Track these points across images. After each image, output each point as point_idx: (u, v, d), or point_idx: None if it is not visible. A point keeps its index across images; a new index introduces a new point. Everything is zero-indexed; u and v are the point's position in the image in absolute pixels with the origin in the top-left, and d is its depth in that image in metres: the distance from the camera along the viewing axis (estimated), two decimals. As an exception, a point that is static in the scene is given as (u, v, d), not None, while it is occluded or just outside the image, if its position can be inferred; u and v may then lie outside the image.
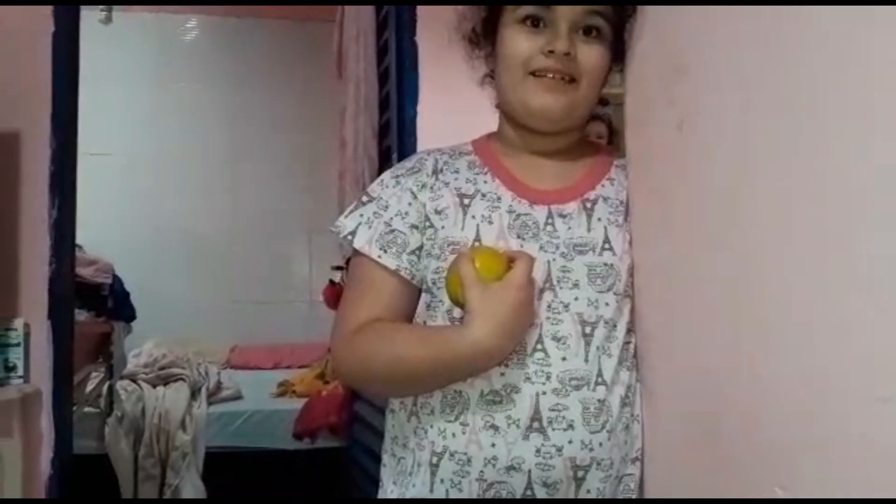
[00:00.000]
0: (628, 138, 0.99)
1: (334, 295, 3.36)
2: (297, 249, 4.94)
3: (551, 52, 0.91)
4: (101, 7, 4.47)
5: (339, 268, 3.39)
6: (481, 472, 0.89)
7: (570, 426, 0.89)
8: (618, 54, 0.97)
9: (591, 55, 0.93)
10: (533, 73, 0.93)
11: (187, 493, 3.26)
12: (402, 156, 2.06)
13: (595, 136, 1.62)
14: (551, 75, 0.93)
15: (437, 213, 0.97)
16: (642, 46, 0.94)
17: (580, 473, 0.89)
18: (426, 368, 0.91)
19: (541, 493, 0.89)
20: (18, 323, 1.90)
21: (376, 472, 1.05)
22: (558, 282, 0.93)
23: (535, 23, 0.93)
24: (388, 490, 0.99)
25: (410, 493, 0.94)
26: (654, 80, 0.90)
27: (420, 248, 0.97)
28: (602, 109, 1.06)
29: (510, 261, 0.88)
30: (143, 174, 4.68)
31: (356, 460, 2.88)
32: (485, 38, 1.01)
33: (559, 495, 0.90)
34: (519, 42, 0.94)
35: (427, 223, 0.97)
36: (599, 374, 0.91)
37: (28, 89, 1.96)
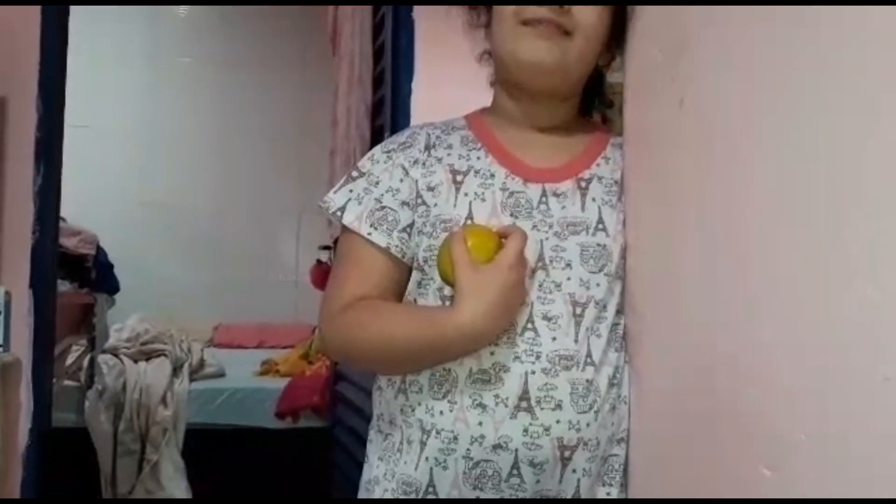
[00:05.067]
0: (627, 116, 0.98)
1: (321, 275, 3.35)
2: (286, 228, 4.91)
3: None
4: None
5: (326, 247, 3.38)
6: (468, 449, 0.89)
7: (559, 406, 0.89)
8: (617, 30, 0.95)
9: (587, 12, 0.91)
10: (526, 24, 0.91)
11: (167, 470, 3.25)
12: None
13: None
14: (544, 25, 0.90)
15: (430, 189, 0.96)
16: (644, 22, 0.93)
17: (566, 453, 0.89)
18: (415, 349, 0.90)
19: (527, 473, 0.89)
20: (-1, 291, 1.87)
21: (358, 452, 1.05)
22: (551, 261, 0.92)
23: None
24: (373, 466, 0.98)
25: (399, 470, 0.94)
26: (656, 56, 0.89)
27: (411, 225, 0.96)
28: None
29: (502, 237, 0.87)
30: (131, 148, 4.63)
31: (338, 440, 2.87)
32: (484, 8, 0.99)
33: (545, 475, 0.89)
34: None
35: (419, 200, 0.96)
36: (588, 354, 0.91)
37: (16, 55, 1.92)
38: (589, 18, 0.91)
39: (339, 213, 0.97)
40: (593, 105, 1.06)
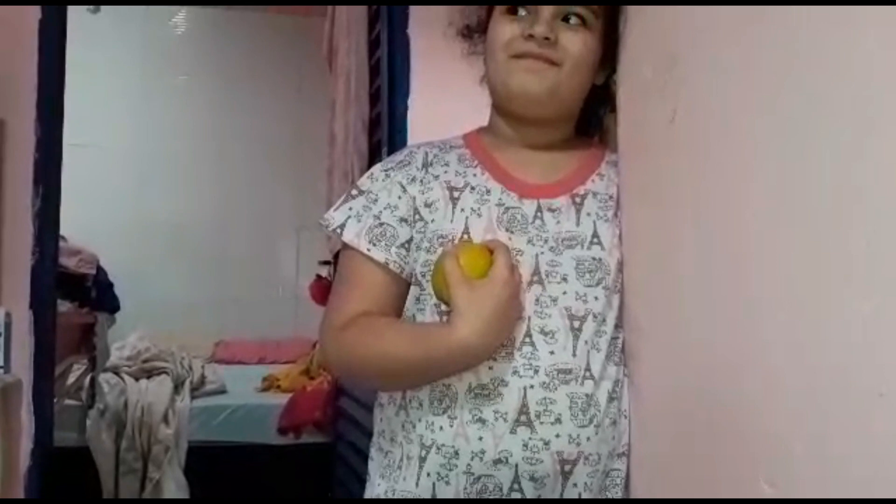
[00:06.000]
0: (620, 132, 0.99)
1: (321, 290, 3.34)
2: (285, 244, 4.92)
3: (531, 35, 0.92)
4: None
5: (326, 262, 3.38)
6: (468, 465, 0.89)
7: (558, 420, 0.89)
8: (610, 49, 0.97)
9: (573, 41, 0.93)
10: (515, 57, 0.94)
11: (169, 488, 3.24)
12: (392, 150, 2.04)
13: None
14: (532, 59, 0.93)
15: (427, 206, 0.97)
16: (634, 40, 0.94)
17: (567, 468, 0.89)
18: (413, 366, 0.91)
19: (528, 487, 0.89)
20: (-1, 312, 1.87)
21: (360, 467, 1.05)
22: (547, 275, 0.93)
23: (518, 10, 0.94)
24: (375, 484, 0.98)
25: (399, 487, 0.94)
26: (646, 73, 0.90)
27: (409, 241, 0.97)
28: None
29: (491, 252, 0.88)
30: (130, 166, 4.64)
31: (340, 456, 2.87)
32: (479, 35, 1.01)
33: (546, 490, 0.89)
34: (501, 27, 0.95)
35: (416, 216, 0.97)
36: (587, 368, 0.91)
37: (14, 76, 1.93)
38: (575, 47, 0.93)
39: (339, 231, 0.98)
40: (598, 117, 1.07)
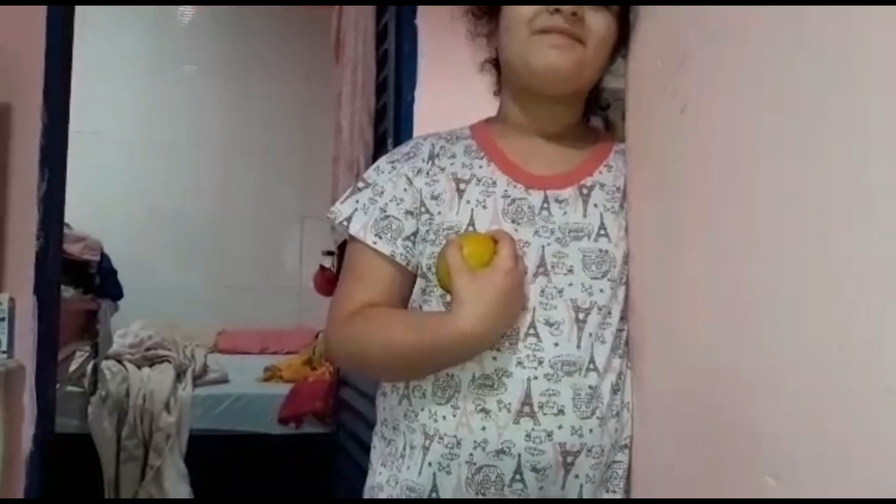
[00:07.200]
0: (628, 125, 0.99)
1: (324, 281, 3.35)
2: (289, 234, 4.93)
3: (557, 10, 0.90)
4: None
5: (329, 253, 3.39)
6: (471, 454, 0.89)
7: (561, 411, 0.89)
8: (623, 37, 0.96)
9: (598, 20, 0.91)
10: (539, 33, 0.91)
11: (170, 476, 3.25)
12: (398, 141, 2.05)
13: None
14: (558, 34, 0.90)
15: (433, 198, 0.97)
16: (645, 30, 0.94)
17: (569, 459, 0.89)
18: (416, 355, 0.91)
19: (530, 478, 0.89)
20: (3, 297, 1.88)
21: (361, 458, 1.05)
22: (553, 267, 0.93)
23: None
24: (377, 472, 0.98)
25: (402, 476, 0.94)
26: (657, 65, 0.90)
27: (415, 233, 0.97)
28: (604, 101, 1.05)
29: (495, 242, 0.88)
30: (136, 154, 4.65)
31: (341, 446, 2.87)
32: (489, 13, 0.99)
33: (548, 481, 0.90)
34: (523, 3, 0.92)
35: (423, 209, 0.97)
36: (592, 360, 0.91)
37: (21, 62, 1.93)
38: (600, 26, 0.92)
39: (345, 223, 0.99)
40: (591, 109, 1.06)
